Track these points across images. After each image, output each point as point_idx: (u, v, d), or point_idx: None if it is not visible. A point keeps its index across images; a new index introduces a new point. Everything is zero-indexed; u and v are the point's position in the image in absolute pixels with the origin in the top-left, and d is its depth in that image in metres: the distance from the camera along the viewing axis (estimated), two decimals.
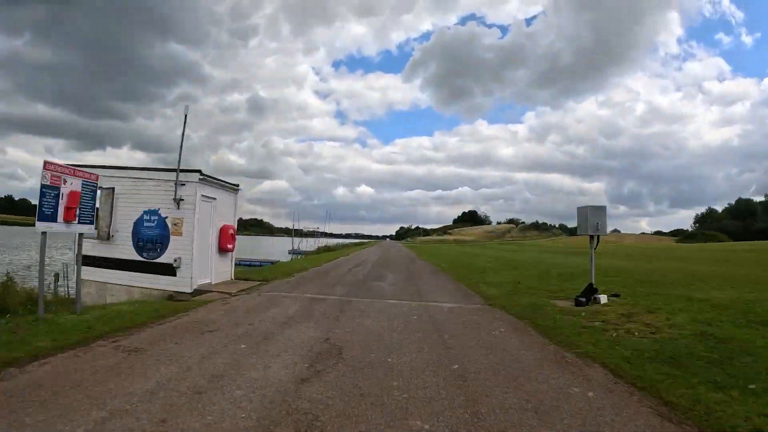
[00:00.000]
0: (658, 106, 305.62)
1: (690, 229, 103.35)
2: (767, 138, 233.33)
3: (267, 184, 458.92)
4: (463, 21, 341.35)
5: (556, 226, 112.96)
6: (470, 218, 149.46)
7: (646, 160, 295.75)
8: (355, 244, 63.86)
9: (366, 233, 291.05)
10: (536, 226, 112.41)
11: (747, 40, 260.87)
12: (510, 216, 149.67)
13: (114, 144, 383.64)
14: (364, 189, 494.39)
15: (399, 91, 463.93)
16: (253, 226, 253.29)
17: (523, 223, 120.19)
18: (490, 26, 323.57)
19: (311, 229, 62.91)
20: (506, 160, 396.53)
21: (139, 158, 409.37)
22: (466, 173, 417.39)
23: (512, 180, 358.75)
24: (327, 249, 43.58)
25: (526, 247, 63.91)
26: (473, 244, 70.08)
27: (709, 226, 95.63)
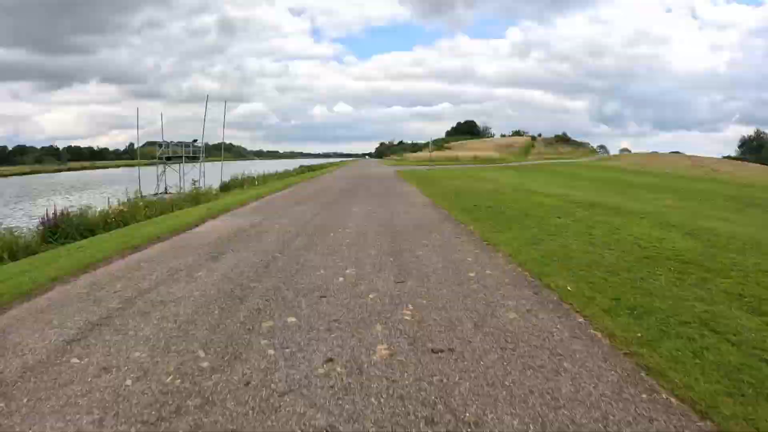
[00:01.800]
0: (647, 26, 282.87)
1: (736, 153, 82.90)
2: (755, 68, 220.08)
3: (243, 108, 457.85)
4: None
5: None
6: (468, 130, 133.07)
7: (630, 81, 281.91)
8: (307, 169, 43.95)
9: (344, 152, 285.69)
10: (564, 140, 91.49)
11: None
12: (504, 129, 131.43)
13: (81, 80, 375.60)
14: (342, 107, 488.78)
15: (376, 4, 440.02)
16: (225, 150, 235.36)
17: (539, 135, 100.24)
18: None
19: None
20: (487, 76, 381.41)
21: (108, 92, 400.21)
22: (447, 89, 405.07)
23: (493, 96, 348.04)
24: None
25: (600, 171, 42.04)
26: (498, 165, 48.30)
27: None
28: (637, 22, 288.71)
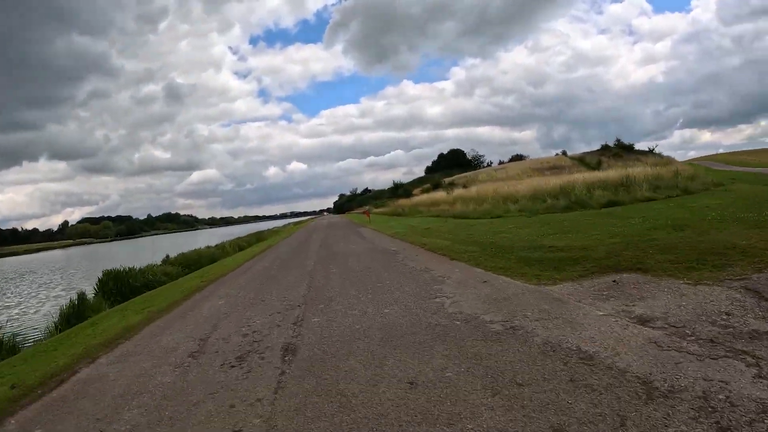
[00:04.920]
0: (585, 50, 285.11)
1: None
2: (690, 73, 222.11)
3: (196, 176, 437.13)
4: None
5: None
6: (455, 162, 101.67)
7: (574, 104, 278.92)
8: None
9: (302, 210, 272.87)
10: (626, 148, 60.39)
11: None
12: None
13: (30, 157, 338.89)
14: (296, 165, 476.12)
15: (321, 60, 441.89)
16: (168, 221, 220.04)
17: (563, 152, 67.56)
18: None
19: None
20: (435, 119, 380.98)
21: (59, 168, 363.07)
22: (396, 136, 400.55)
23: (442, 137, 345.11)
24: None
25: None
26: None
27: None
28: (575, 46, 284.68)
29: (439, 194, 39.26)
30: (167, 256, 20.80)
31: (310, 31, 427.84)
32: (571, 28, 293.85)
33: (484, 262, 7.76)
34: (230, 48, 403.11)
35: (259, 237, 32.60)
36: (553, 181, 21.80)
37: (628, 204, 14.25)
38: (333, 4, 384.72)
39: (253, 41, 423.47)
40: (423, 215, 29.16)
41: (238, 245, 25.84)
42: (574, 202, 15.17)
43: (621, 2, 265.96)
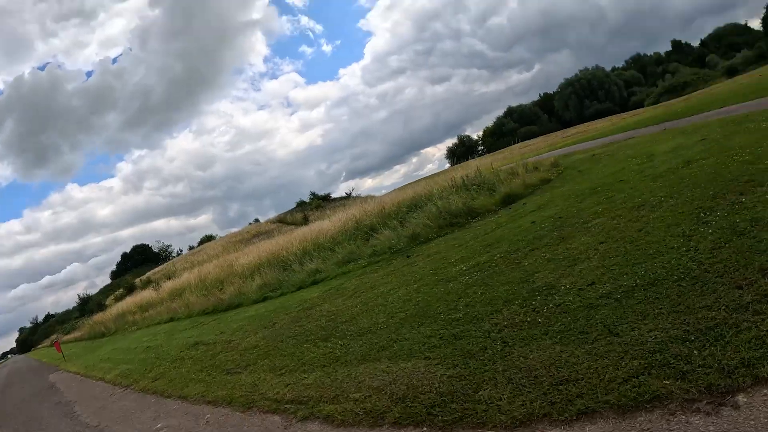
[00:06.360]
0: (246, 126, 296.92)
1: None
2: (345, 132, 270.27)
3: None
4: (43, 67, 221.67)
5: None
6: (142, 260, 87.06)
7: (243, 179, 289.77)
8: None
9: None
10: (325, 198, 63.45)
11: (327, 48, 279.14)
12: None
13: None
14: None
15: None
16: None
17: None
18: (74, 71, 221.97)
19: None
20: (107, 221, 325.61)
21: None
22: (70, 248, 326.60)
23: (119, 239, 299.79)
24: None
25: None
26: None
27: None
28: (238, 124, 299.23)
29: (145, 294, 30.26)
30: None
31: None
32: (233, 108, 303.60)
33: None
34: None
35: None
36: (314, 230, 17.55)
37: (529, 194, 10.89)
38: None
39: None
40: (140, 326, 20.37)
41: None
42: (454, 215, 10.70)
43: (277, 78, 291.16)
